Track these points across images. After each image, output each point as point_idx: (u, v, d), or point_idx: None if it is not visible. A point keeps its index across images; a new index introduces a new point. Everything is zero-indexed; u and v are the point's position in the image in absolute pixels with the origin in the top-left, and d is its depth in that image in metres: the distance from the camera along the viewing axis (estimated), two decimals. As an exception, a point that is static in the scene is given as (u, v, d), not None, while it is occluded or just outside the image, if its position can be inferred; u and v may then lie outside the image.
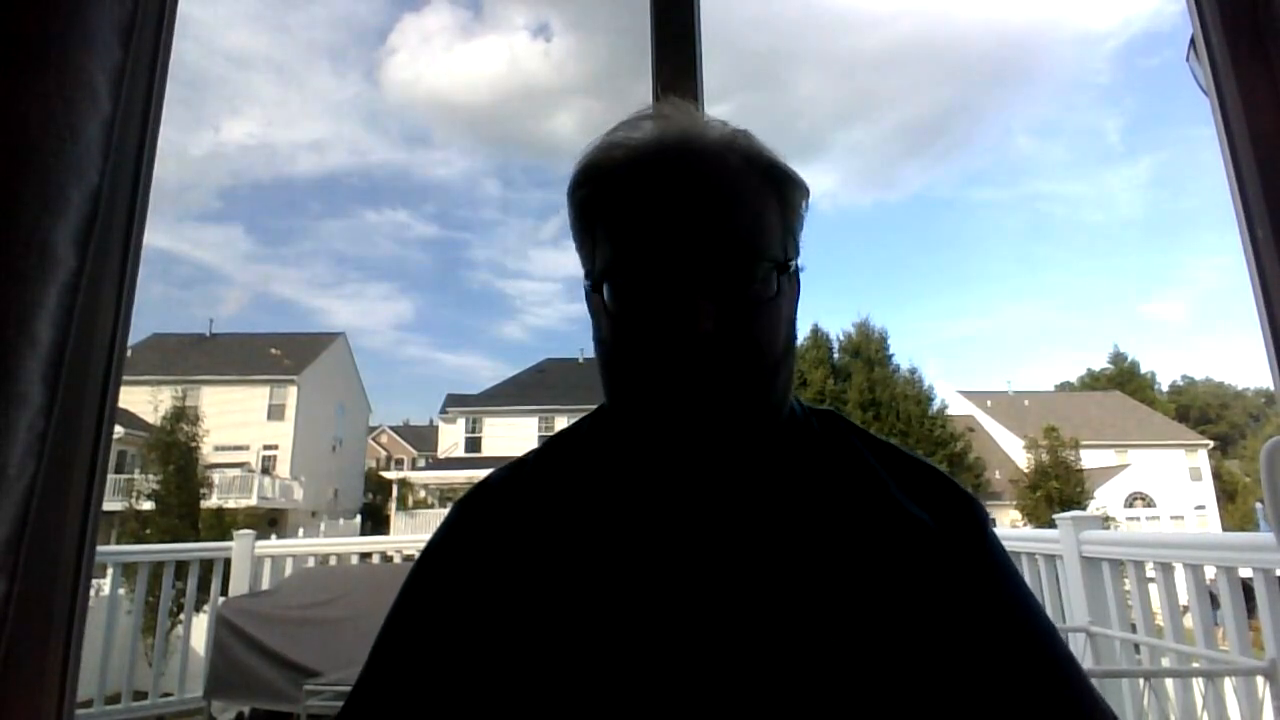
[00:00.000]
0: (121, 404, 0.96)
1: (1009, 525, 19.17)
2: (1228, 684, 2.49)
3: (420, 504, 24.39)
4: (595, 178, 0.62)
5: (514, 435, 23.28)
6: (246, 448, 23.98)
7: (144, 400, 17.46)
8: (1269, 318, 0.94)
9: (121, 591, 4.54)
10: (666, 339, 0.56)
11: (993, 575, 0.61)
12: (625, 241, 0.60)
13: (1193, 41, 1.06)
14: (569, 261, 0.65)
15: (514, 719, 0.57)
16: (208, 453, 16.78)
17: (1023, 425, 26.38)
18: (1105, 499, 22.71)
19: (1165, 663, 2.82)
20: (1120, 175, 54.06)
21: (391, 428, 38.22)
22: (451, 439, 25.87)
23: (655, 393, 0.58)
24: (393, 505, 23.83)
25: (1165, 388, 45.17)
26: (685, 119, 0.64)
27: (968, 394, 31.43)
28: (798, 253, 0.65)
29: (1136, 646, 2.99)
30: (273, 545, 4.92)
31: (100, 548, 2.08)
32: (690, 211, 0.58)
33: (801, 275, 0.67)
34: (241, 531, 4.75)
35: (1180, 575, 2.87)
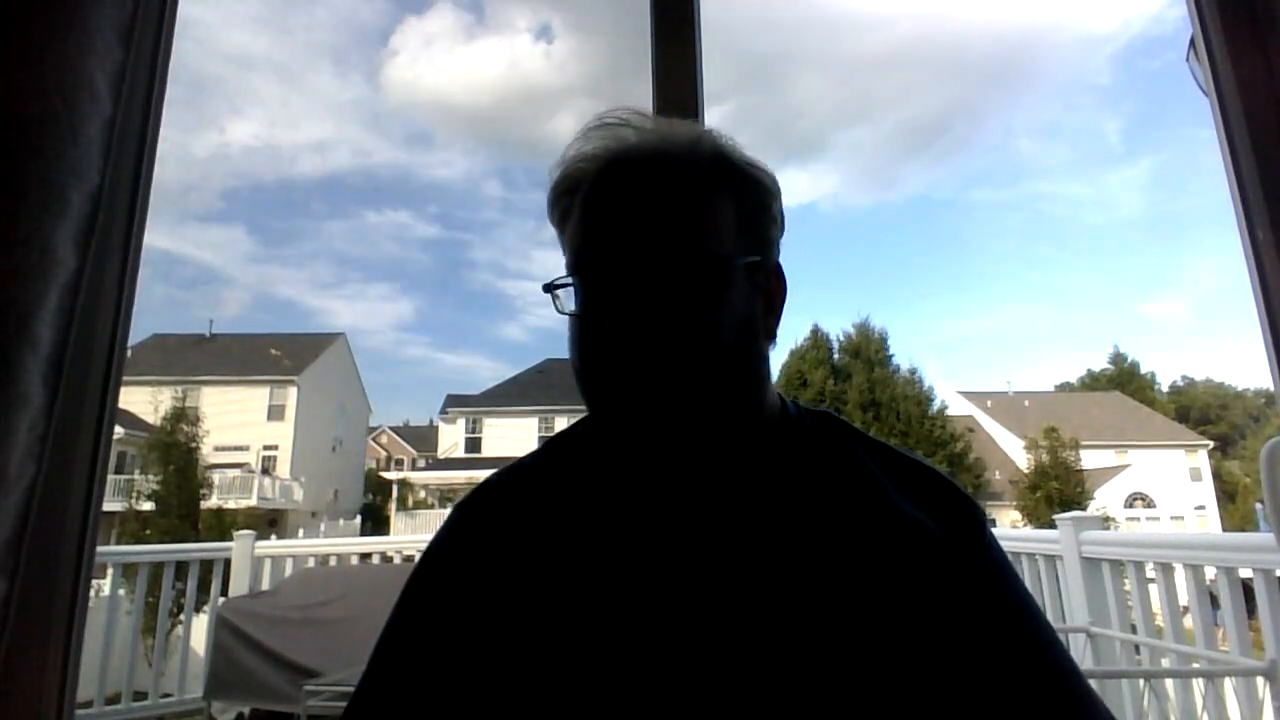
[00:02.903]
0: (121, 404, 0.96)
1: (1009, 525, 19.18)
2: (1228, 684, 2.48)
3: (420, 504, 24.38)
4: (560, 194, 0.66)
5: (514, 435, 23.27)
6: (246, 448, 23.98)
7: (144, 400, 17.47)
8: (1269, 318, 0.94)
9: (121, 591, 4.55)
10: (600, 328, 0.59)
11: (991, 577, 0.61)
12: (571, 246, 0.63)
13: (1192, 42, 1.06)
14: (563, 265, 0.67)
15: (515, 718, 0.57)
16: (208, 453, 16.78)
17: (1023, 425, 26.36)
18: (1105, 499, 22.70)
19: (1165, 663, 2.82)
20: (1120, 176, 54.18)
21: (391, 428, 38.23)
22: (451, 439, 25.86)
23: (599, 380, 0.60)
24: (393, 506, 23.83)
25: (1165, 388, 45.23)
26: (640, 125, 0.65)
27: (968, 394, 31.42)
28: (767, 250, 0.65)
29: (1136, 647, 2.98)
30: (273, 545, 4.91)
31: (100, 548, 2.08)
32: (620, 211, 0.60)
33: (784, 274, 0.67)
34: (241, 532, 4.75)
35: (1180, 575, 2.87)
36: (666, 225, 0.59)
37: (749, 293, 0.63)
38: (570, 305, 0.63)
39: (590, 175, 0.63)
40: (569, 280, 0.63)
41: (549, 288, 0.63)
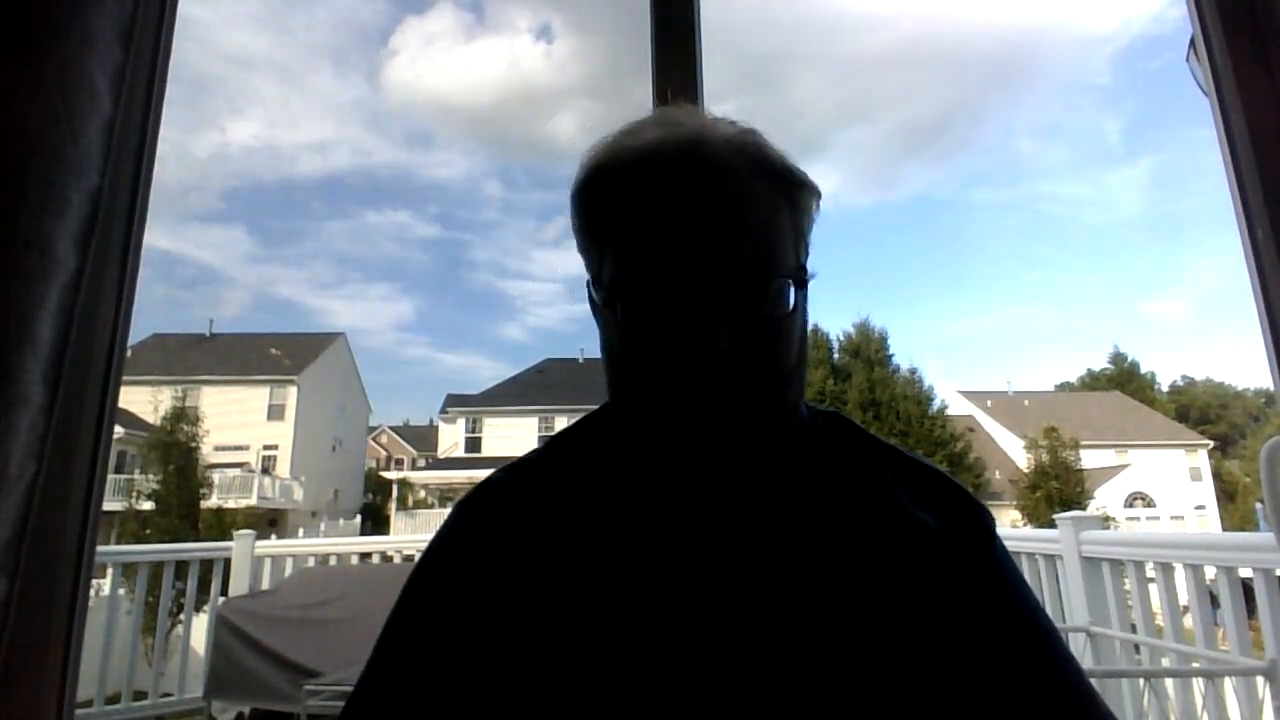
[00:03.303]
0: (121, 404, 0.96)
1: (1009, 525, 19.14)
2: (1228, 684, 2.48)
3: (420, 504, 24.38)
4: (602, 183, 0.61)
5: (514, 435, 23.26)
6: (246, 448, 23.97)
7: (144, 400, 17.46)
8: (1269, 318, 0.94)
9: (121, 591, 4.55)
10: (683, 358, 0.56)
11: (999, 581, 0.61)
12: (636, 256, 0.58)
13: (1192, 42, 1.06)
14: (570, 262, 0.65)
15: (516, 719, 0.57)
16: (208, 453, 16.78)
17: (1023, 425, 26.35)
18: (1105, 499, 22.69)
19: (1165, 663, 2.82)
20: (1120, 176, 54.22)
21: (391, 428, 38.22)
22: (451, 439, 25.85)
23: (671, 410, 0.57)
24: (393, 505, 23.82)
25: (1165, 388, 45.21)
26: (693, 124, 0.62)
27: (968, 394, 31.40)
28: (808, 256, 0.65)
29: (1136, 646, 2.98)
30: (273, 545, 4.91)
31: (100, 548, 2.08)
32: (702, 226, 0.56)
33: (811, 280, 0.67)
34: (241, 531, 4.74)
35: (1180, 575, 2.87)
36: (745, 238, 0.57)
37: (804, 307, 0.62)
38: (615, 301, 0.59)
39: (647, 173, 0.59)
40: (627, 292, 0.58)
41: (608, 299, 0.59)
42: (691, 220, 0.57)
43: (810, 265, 0.66)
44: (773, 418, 0.59)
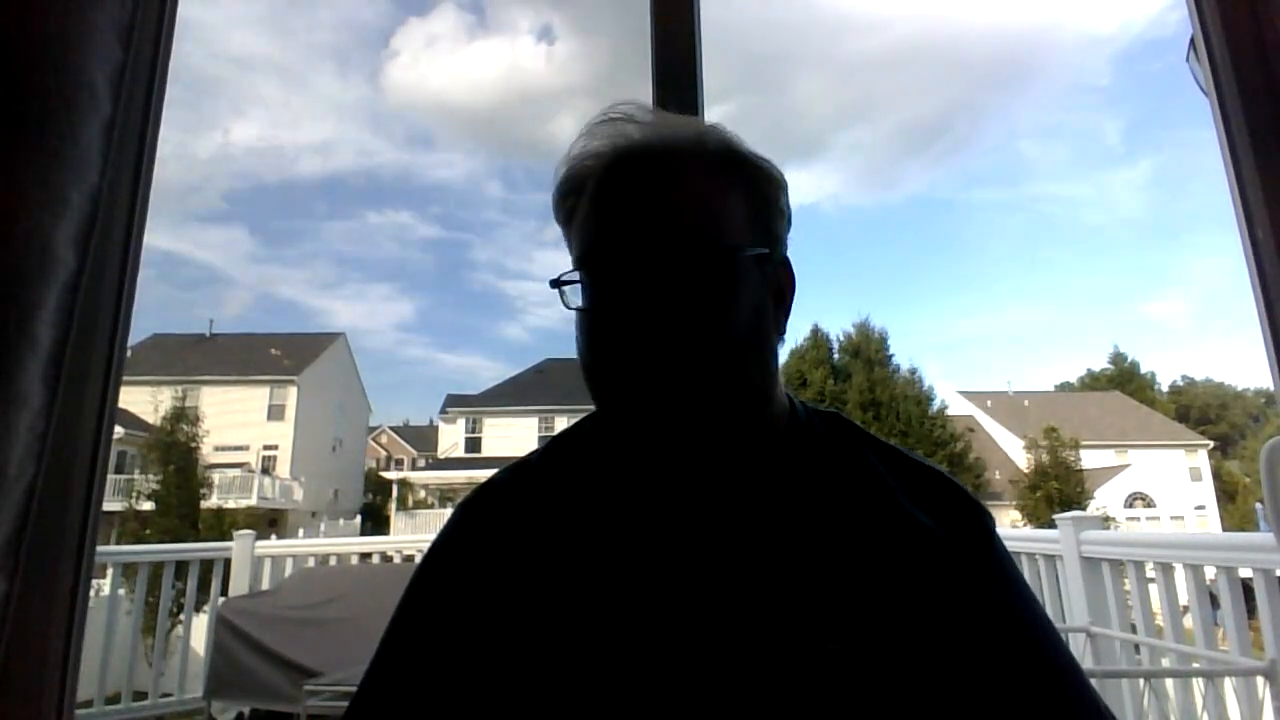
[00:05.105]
0: (121, 404, 0.96)
1: (1009, 525, 19.17)
2: (1228, 684, 2.49)
3: (420, 504, 24.39)
4: (567, 192, 0.66)
5: (514, 435, 23.27)
6: (246, 448, 23.98)
7: (144, 400, 17.49)
8: (1269, 318, 0.93)
9: (121, 591, 4.55)
10: (614, 323, 0.58)
11: (999, 583, 0.61)
12: (580, 242, 0.63)
13: (1192, 42, 1.06)
14: (570, 263, 0.66)
15: (518, 718, 0.57)
16: (208, 453, 16.81)
17: (1023, 425, 26.36)
18: (1105, 499, 22.70)
19: (1165, 663, 2.82)
20: (1120, 176, 54.15)
21: (391, 428, 38.21)
22: (451, 439, 25.85)
23: (610, 376, 0.60)
24: (393, 505, 23.82)
25: (1165, 388, 45.20)
26: (645, 120, 0.65)
27: (968, 394, 31.41)
28: (776, 244, 0.65)
29: (1136, 647, 2.99)
30: (273, 545, 4.92)
31: (100, 548, 2.08)
32: (634, 202, 0.60)
33: (793, 269, 0.67)
34: (241, 531, 4.75)
35: (1180, 575, 2.87)
36: (677, 217, 0.59)
37: (759, 286, 0.63)
38: (577, 301, 0.62)
39: (597, 170, 0.63)
40: (576, 276, 0.62)
41: (556, 283, 0.63)
42: (624, 197, 0.60)
43: (792, 257, 0.66)
44: (719, 383, 0.59)
